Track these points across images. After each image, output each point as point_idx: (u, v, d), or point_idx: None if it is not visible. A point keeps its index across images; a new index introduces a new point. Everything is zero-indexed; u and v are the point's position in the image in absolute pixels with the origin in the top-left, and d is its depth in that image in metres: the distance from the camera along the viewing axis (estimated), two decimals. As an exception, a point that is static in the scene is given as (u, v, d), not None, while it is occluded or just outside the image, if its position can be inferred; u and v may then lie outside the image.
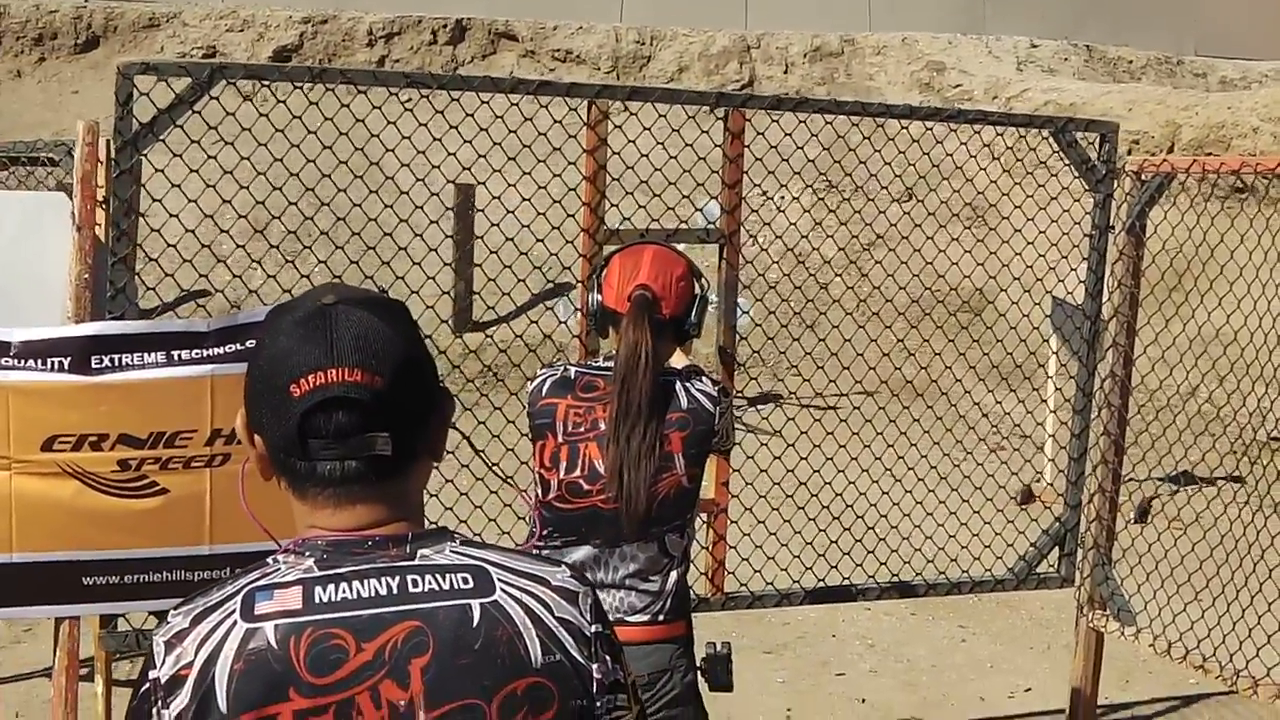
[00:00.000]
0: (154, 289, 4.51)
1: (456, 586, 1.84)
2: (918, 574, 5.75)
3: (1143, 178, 5.33)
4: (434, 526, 1.92)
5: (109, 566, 4.08)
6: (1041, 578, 5.81)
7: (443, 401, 1.93)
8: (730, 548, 5.28)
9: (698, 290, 3.83)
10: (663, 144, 5.17)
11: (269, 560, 1.85)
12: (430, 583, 1.83)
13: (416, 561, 1.84)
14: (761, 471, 5.55)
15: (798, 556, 5.47)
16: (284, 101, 4.46)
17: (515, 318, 9.00)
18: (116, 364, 4.00)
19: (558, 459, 3.70)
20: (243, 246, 4.70)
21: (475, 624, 1.82)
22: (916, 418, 6.16)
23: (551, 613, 1.87)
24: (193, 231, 4.52)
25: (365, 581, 1.81)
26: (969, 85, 15.77)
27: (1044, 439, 9.56)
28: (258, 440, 1.88)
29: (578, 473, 3.68)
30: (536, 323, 4.96)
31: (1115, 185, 5.56)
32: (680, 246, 4.13)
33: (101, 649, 5.35)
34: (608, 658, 1.91)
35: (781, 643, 7.58)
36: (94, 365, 3.98)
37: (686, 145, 5.24)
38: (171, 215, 4.42)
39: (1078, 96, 14.72)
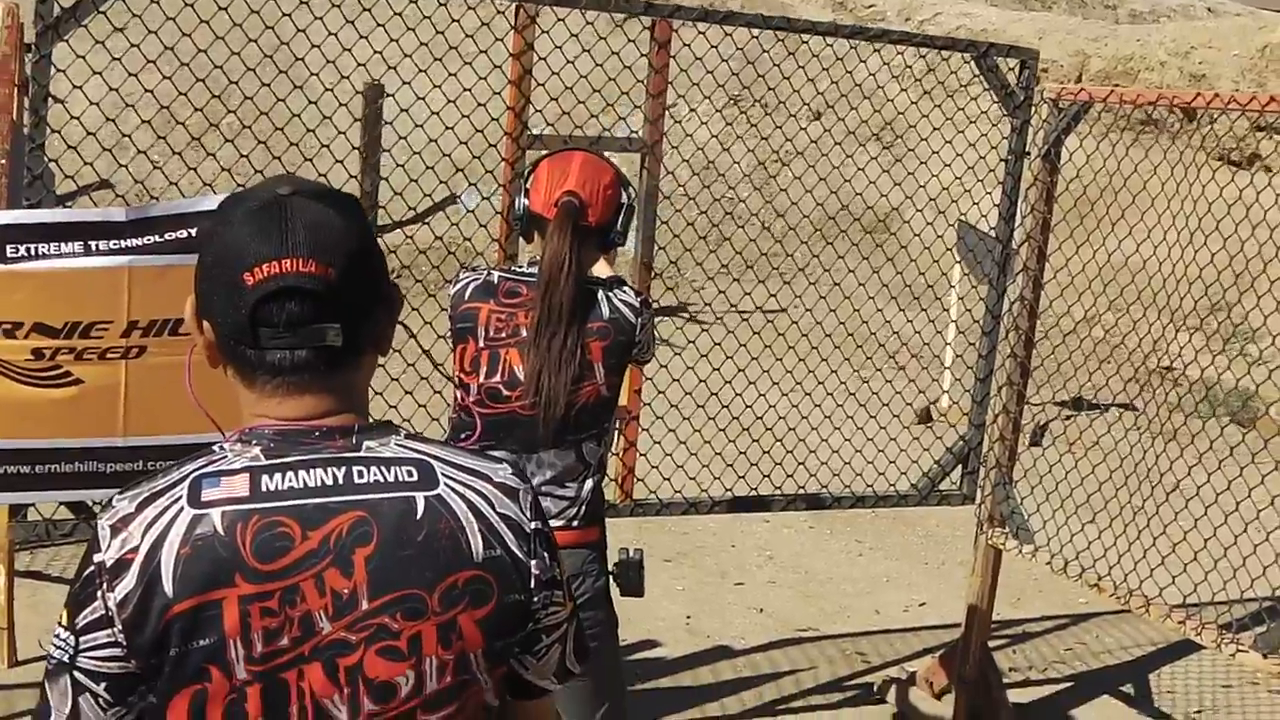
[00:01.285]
0: (72, 177, 4.45)
1: (401, 479, 1.86)
2: (823, 487, 5.84)
3: (1060, 105, 5.40)
4: (379, 420, 1.94)
5: (21, 456, 4.04)
6: (944, 494, 5.93)
7: (391, 295, 1.95)
8: (640, 455, 5.33)
9: (624, 199, 3.83)
10: (589, 50, 5.16)
11: (215, 448, 1.86)
12: (375, 474, 1.85)
13: (362, 453, 1.86)
14: (674, 381, 5.60)
15: (706, 466, 5.54)
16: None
17: (427, 218, 8.95)
18: (33, 253, 3.94)
19: (478, 363, 3.71)
20: (164, 138, 4.62)
21: (419, 516, 1.84)
22: (828, 333, 6.22)
23: (493, 508, 1.90)
24: (113, 120, 4.44)
25: (311, 471, 1.83)
26: (882, 6, 15.82)
27: (947, 357, 9.70)
28: (206, 327, 1.88)
29: (498, 378, 3.69)
30: (457, 224, 4.95)
31: (1033, 112, 5.63)
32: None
33: (5, 538, 5.32)
34: (545, 554, 1.95)
35: (682, 551, 7.68)
36: (9, 254, 3.92)
37: (613, 54, 5.23)
38: (92, 103, 4.35)
39: (990, 23, 14.82)
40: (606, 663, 3.82)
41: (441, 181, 4.97)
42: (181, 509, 1.78)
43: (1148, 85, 13.08)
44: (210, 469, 1.82)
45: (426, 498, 1.86)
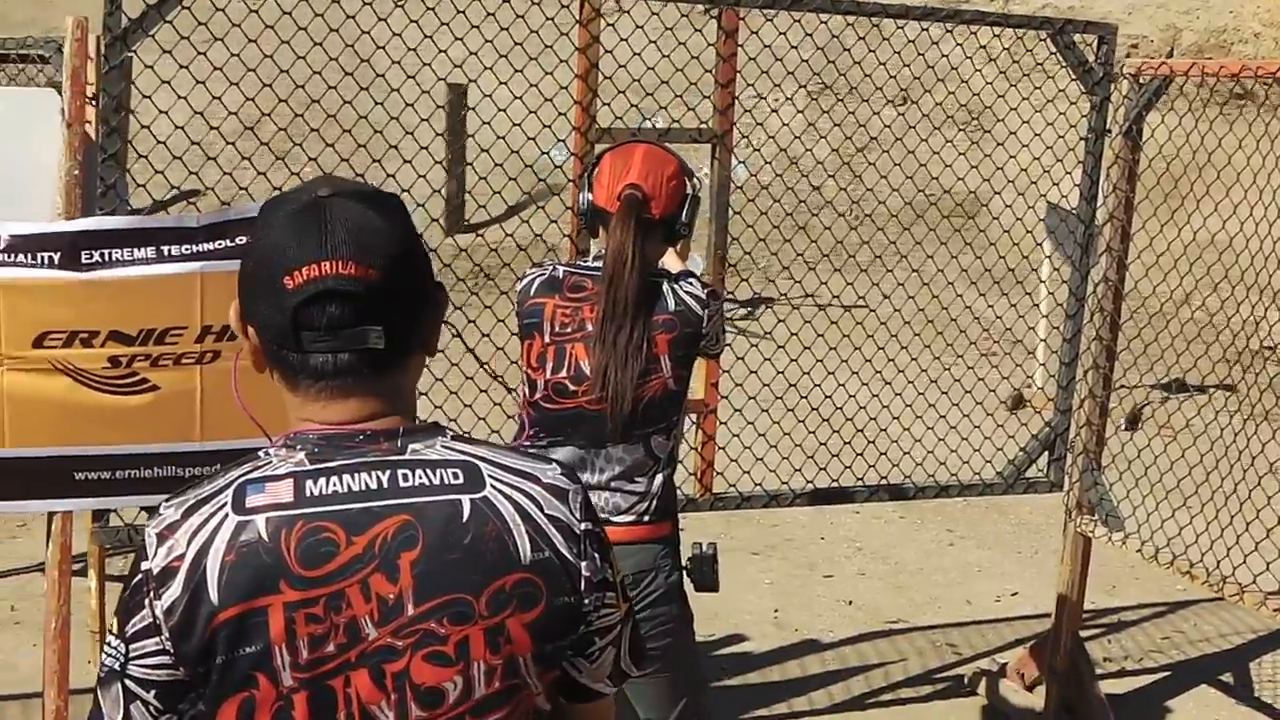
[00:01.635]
0: (144, 186, 4.48)
1: (447, 482, 1.84)
2: (907, 477, 5.76)
3: (1140, 81, 5.28)
4: (425, 422, 1.92)
5: (100, 462, 4.09)
6: (1030, 482, 5.83)
7: (437, 295, 1.93)
8: (719, 449, 5.29)
9: (689, 190, 3.80)
10: (655, 42, 5.12)
11: (260, 453, 1.85)
12: (421, 478, 1.83)
13: (407, 456, 1.84)
14: (751, 373, 5.55)
15: (787, 458, 5.48)
16: (275, -3, 4.41)
17: (508, 218, 8.95)
18: (107, 260, 3.98)
19: (545, 359, 3.70)
20: (233, 144, 4.65)
21: (465, 520, 1.82)
22: (908, 320, 6.14)
23: (541, 510, 1.88)
24: (182, 128, 4.47)
25: (356, 475, 1.81)
26: (967, -14, 15.61)
27: (1036, 344, 9.57)
28: (251, 332, 1.88)
29: (564, 373, 3.68)
30: (528, 222, 4.94)
31: (1113, 88, 5.52)
32: (672, 146, 4.09)
33: (94, 543, 5.39)
34: (596, 555, 1.91)
35: (769, 544, 7.63)
36: (84, 261, 3.96)
37: (680, 44, 5.19)
38: (161, 112, 4.37)
39: (1076, -1, 14.60)
40: (683, 658, 3.79)
41: (511, 179, 4.96)
42: (226, 516, 1.78)
43: (1242, 57, 12.83)
44: (255, 475, 1.81)
45: (473, 500, 1.84)
